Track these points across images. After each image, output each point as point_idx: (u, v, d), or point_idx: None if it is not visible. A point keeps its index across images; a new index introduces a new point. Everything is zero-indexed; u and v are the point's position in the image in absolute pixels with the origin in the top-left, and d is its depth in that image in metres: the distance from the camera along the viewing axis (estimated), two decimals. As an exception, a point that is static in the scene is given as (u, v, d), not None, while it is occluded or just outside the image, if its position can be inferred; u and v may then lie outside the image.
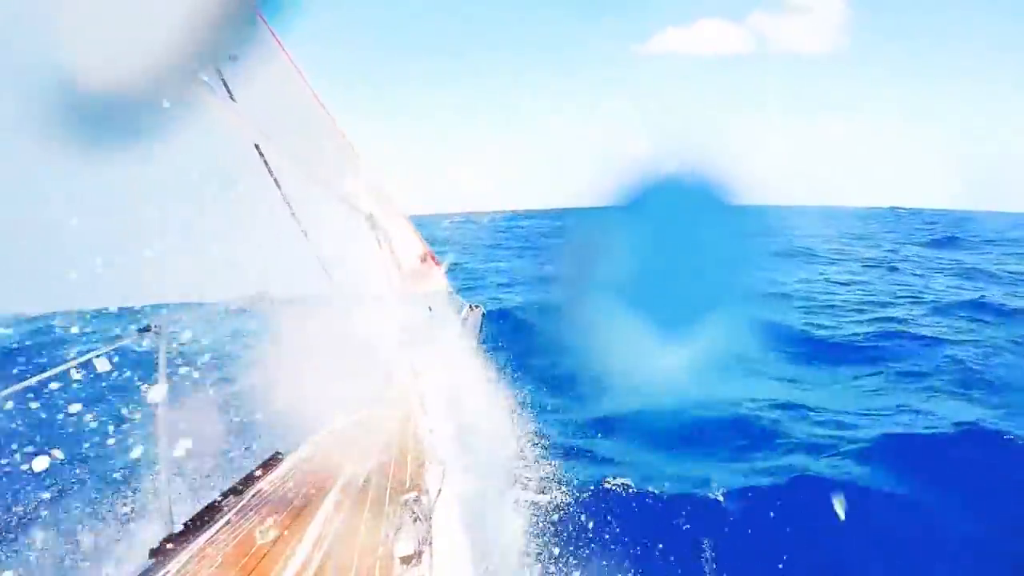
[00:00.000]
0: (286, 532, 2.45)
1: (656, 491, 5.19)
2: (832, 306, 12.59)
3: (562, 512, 4.68)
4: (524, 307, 13.06)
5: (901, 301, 12.92)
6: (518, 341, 10.47)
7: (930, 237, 30.01)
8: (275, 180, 3.14)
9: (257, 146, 3.04)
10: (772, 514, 4.78)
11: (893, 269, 18.16)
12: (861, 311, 12.00)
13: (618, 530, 4.51)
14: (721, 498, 5.04)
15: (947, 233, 31.57)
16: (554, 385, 7.96)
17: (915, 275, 16.97)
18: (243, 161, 3.03)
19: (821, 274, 17.05)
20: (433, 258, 4.01)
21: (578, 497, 4.93)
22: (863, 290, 14.48)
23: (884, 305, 12.52)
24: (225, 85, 2.86)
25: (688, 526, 4.72)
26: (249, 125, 2.83)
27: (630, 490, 5.21)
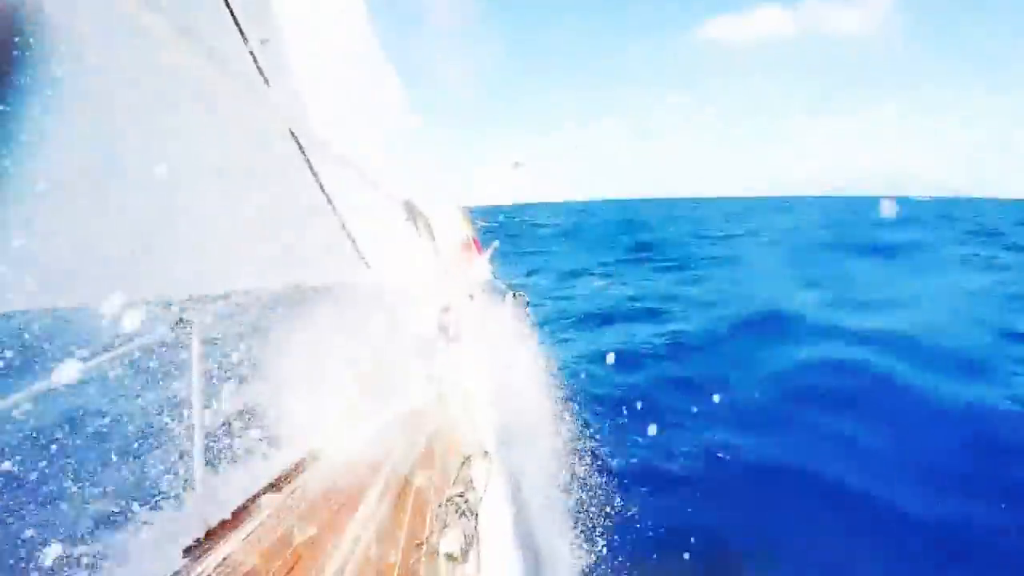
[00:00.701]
0: (325, 530, 2.30)
1: (710, 488, 4.79)
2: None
3: (615, 506, 4.40)
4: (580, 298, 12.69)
5: None
6: (565, 330, 10.15)
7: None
8: (310, 166, 3.04)
9: (292, 131, 2.97)
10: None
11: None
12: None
13: (676, 527, 4.18)
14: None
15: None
16: (605, 376, 7.63)
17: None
18: (278, 145, 2.96)
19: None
20: (478, 244, 3.86)
21: (631, 491, 4.62)
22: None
23: None
24: (259, 69, 2.82)
25: (754, 526, 4.34)
26: (284, 109, 2.76)
27: (685, 487, 4.85)
